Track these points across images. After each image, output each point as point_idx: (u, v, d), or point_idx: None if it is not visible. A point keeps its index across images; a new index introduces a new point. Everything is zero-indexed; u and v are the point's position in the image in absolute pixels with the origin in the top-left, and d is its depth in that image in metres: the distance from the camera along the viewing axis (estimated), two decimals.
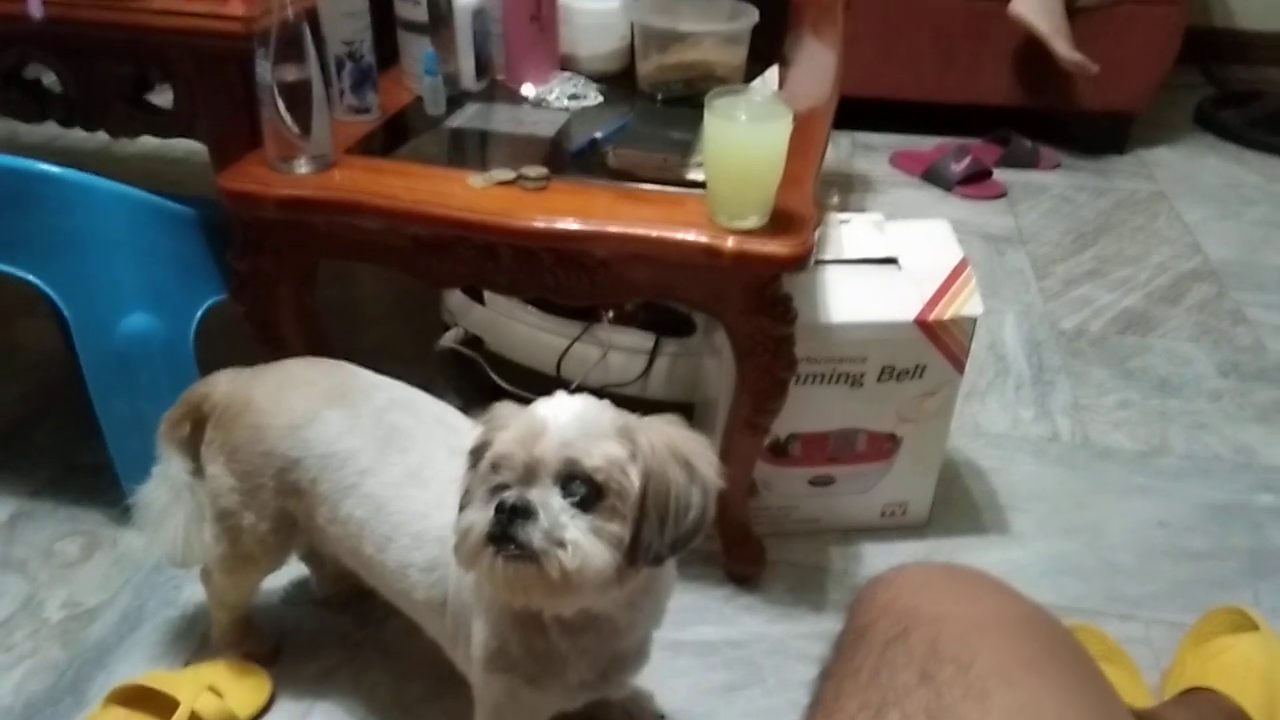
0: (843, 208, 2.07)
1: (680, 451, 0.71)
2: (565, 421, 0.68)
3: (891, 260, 1.14)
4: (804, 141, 1.10)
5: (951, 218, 2.02)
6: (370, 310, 1.71)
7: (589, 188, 1.00)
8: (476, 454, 0.71)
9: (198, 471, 0.91)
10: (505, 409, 0.72)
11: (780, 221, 0.95)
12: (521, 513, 0.65)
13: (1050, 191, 2.19)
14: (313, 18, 1.02)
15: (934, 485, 1.23)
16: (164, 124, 1.18)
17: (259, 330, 1.06)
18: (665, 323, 1.34)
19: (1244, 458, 1.38)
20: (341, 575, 1.05)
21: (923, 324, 1.09)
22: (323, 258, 1.06)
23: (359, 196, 0.97)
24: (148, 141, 1.39)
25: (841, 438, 1.16)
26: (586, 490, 0.66)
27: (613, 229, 0.93)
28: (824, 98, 1.26)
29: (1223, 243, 1.97)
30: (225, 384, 0.90)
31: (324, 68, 1.03)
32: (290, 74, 0.96)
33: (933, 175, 2.20)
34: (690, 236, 0.92)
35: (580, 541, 0.65)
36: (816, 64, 1.39)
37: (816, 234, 1.09)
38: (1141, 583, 1.17)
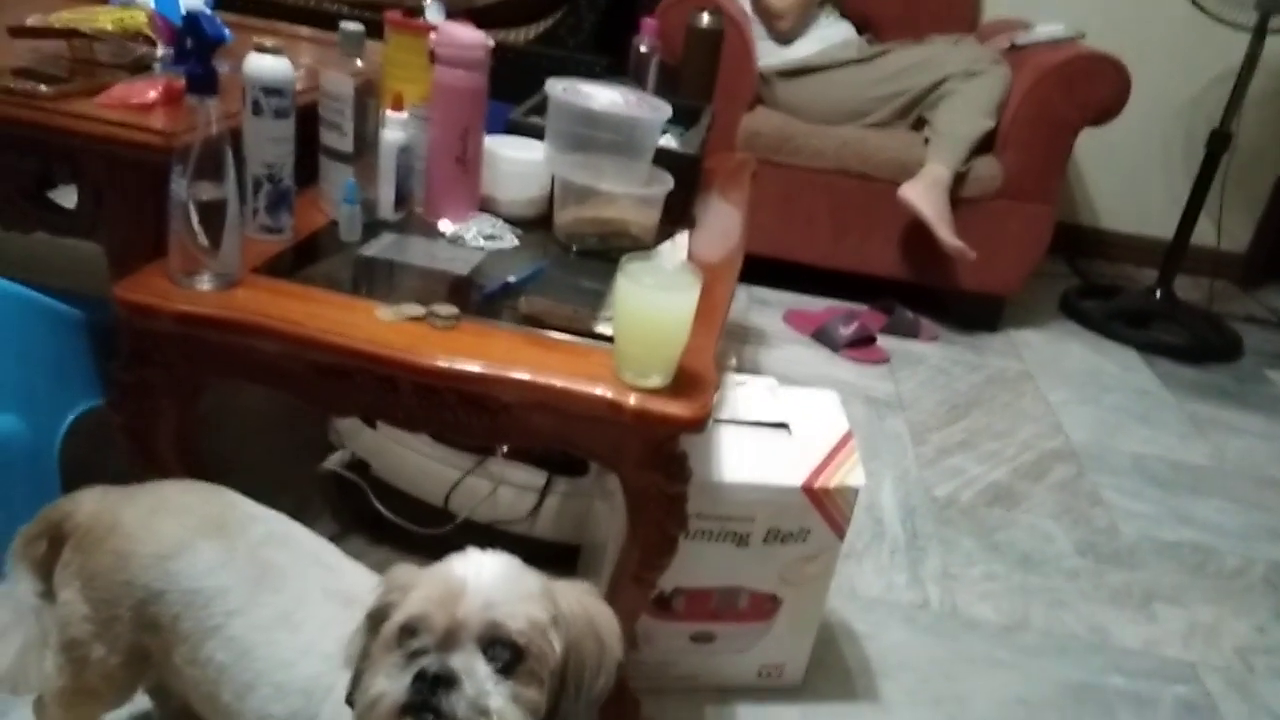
0: (739, 362, 2.14)
1: (594, 619, 0.70)
2: (487, 581, 0.66)
3: (783, 425, 1.18)
4: (709, 306, 1.15)
5: (837, 379, 2.16)
6: (251, 422, 1.65)
7: (498, 330, 1.01)
8: (376, 618, 0.68)
9: (47, 594, 0.85)
10: (404, 571, 0.70)
11: (682, 383, 0.97)
12: (445, 681, 0.62)
13: (929, 362, 2.32)
14: (235, 137, 1.03)
15: (810, 648, 1.24)
16: (64, 224, 1.14)
17: (134, 445, 1.01)
18: (558, 461, 1.34)
19: (1098, 638, 1.45)
20: (185, 713, 0.98)
21: (809, 490, 1.12)
22: (215, 378, 1.03)
23: (260, 319, 0.96)
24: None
25: (725, 595, 1.17)
26: (509, 655, 0.64)
27: (518, 375, 0.94)
28: (729, 264, 1.33)
29: (1082, 425, 2.12)
30: (91, 504, 0.85)
31: (241, 187, 1.02)
32: (206, 191, 0.95)
33: (822, 336, 2.31)
34: (594, 390, 0.94)
35: (505, 712, 0.63)
36: (723, 231, 1.47)
37: (716, 396, 1.13)
38: None
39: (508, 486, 1.33)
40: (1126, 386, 2.35)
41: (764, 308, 2.48)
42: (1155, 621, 1.50)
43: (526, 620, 0.65)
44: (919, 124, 2.41)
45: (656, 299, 0.92)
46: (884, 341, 2.36)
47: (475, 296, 1.07)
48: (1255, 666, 1.43)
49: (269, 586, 0.81)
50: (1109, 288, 2.91)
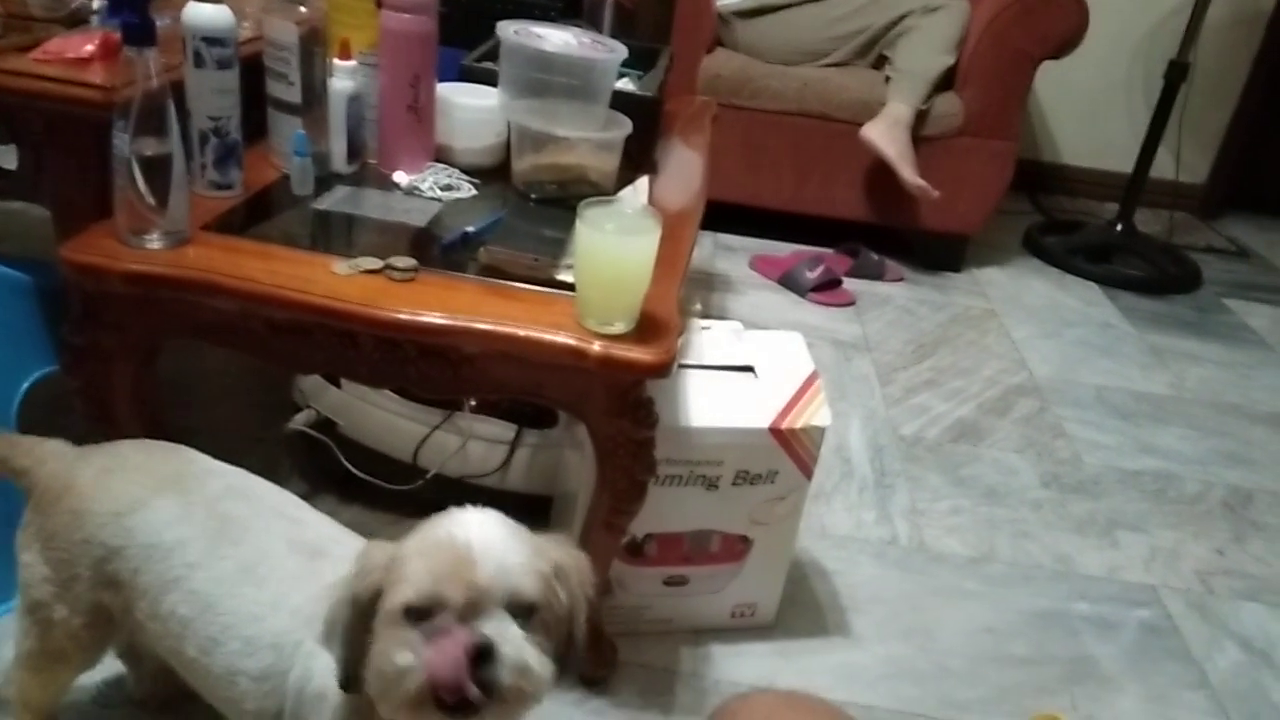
0: (705, 308, 2.14)
1: (582, 566, 0.71)
2: (495, 544, 0.64)
3: (749, 368, 1.18)
4: (671, 251, 1.14)
5: (805, 323, 2.16)
6: (215, 385, 1.63)
7: (458, 282, 1.00)
8: (361, 602, 0.65)
9: None
10: (379, 549, 0.67)
11: (646, 328, 0.97)
12: (485, 654, 0.61)
13: (894, 303, 2.34)
14: (178, 91, 1.00)
15: (782, 587, 1.26)
16: (5, 185, 1.11)
17: (91, 409, 1.00)
18: (527, 413, 1.33)
19: (1062, 566, 1.48)
20: (161, 674, 0.98)
21: (776, 432, 1.13)
22: (169, 337, 1.01)
23: (213, 276, 0.94)
24: None
25: (696, 539, 1.18)
26: (524, 613, 0.64)
27: (480, 325, 0.93)
28: (691, 207, 1.31)
29: (1045, 360, 2.15)
30: (50, 463, 0.84)
31: (186, 142, 0.99)
32: (150, 147, 0.92)
33: (788, 281, 2.31)
34: (557, 338, 0.93)
35: (542, 670, 0.63)
36: (685, 175, 1.45)
37: (680, 341, 1.13)
38: (971, 687, 1.23)
39: (477, 441, 1.32)
40: (1089, 320, 2.38)
41: (730, 254, 2.47)
42: (1118, 548, 1.54)
43: (539, 578, 0.65)
44: (880, 62, 2.39)
45: (616, 244, 0.91)
46: (850, 284, 2.37)
47: (433, 248, 1.05)
48: (1215, 588, 1.47)
49: (229, 539, 0.79)
50: (1071, 223, 2.93)
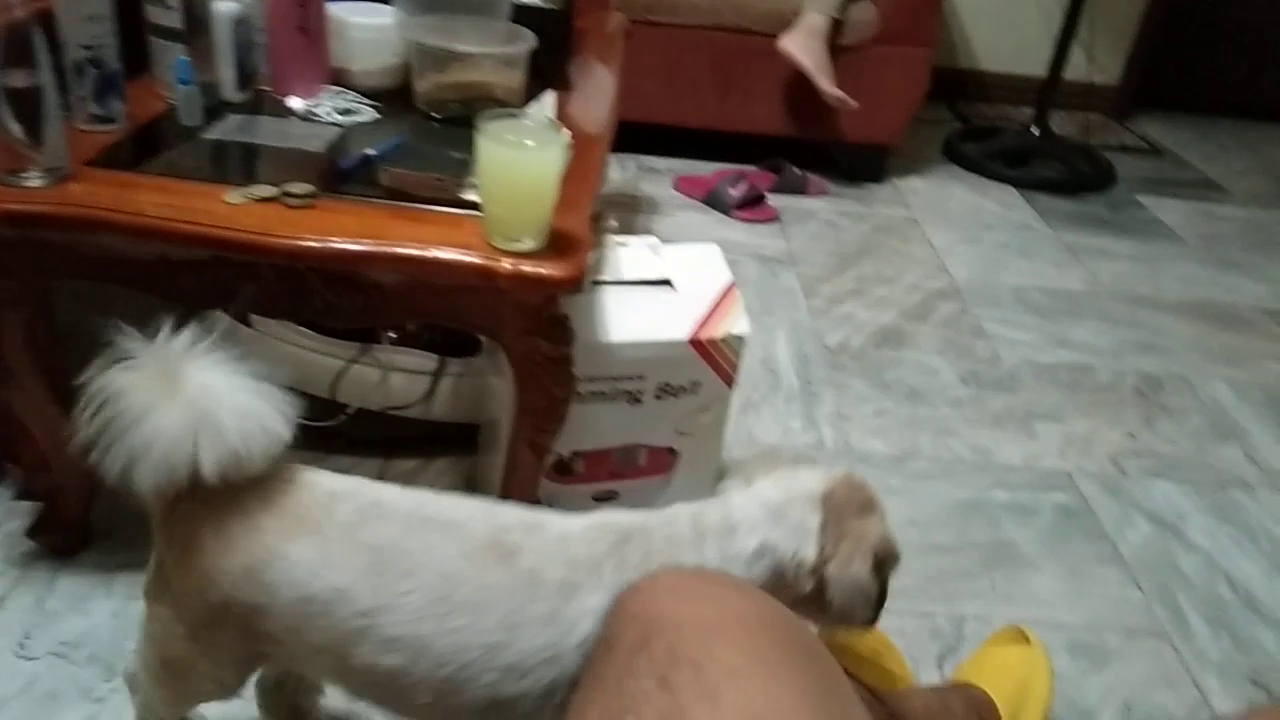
0: (629, 229, 2.13)
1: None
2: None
3: (666, 282, 1.18)
4: (581, 166, 1.13)
5: (730, 240, 2.17)
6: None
7: (360, 206, 0.97)
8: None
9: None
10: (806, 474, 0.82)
11: (556, 244, 0.96)
12: None
13: (818, 216, 2.35)
14: (47, 20, 0.94)
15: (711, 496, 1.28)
16: None
17: None
18: (449, 342, 1.32)
19: (982, 459, 1.53)
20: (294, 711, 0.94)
21: (695, 343, 1.13)
22: (59, 280, 0.97)
23: (99, 212, 0.90)
24: None
25: (623, 454, 1.19)
26: None
27: (384, 249, 0.91)
28: (602, 123, 1.30)
29: (965, 264, 2.18)
30: (179, 506, 0.71)
31: (61, 74, 0.94)
32: (19, 80, 0.88)
33: (713, 199, 2.30)
34: (465, 257, 0.92)
35: None
36: (596, 90, 1.43)
37: (593, 256, 1.12)
38: (897, 578, 1.27)
39: (399, 373, 1.31)
40: (1007, 223, 2.43)
41: (654, 176, 2.45)
42: (1035, 439, 1.59)
43: None
44: None
45: (519, 157, 0.89)
46: (774, 200, 2.37)
47: (334, 173, 1.02)
48: (1127, 469, 1.54)
49: (396, 571, 0.69)
50: (989, 129, 2.96)
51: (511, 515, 0.76)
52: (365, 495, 0.75)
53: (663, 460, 1.21)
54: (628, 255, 1.21)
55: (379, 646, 0.69)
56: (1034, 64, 3.03)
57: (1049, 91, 2.73)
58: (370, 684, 0.72)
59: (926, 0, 2.31)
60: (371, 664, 0.69)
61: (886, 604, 0.83)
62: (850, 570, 0.76)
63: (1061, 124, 3.06)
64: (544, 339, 0.97)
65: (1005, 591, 1.27)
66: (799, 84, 2.31)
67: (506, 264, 0.92)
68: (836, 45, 2.29)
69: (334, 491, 0.74)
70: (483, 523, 0.74)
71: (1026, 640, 1.07)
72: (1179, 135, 3.23)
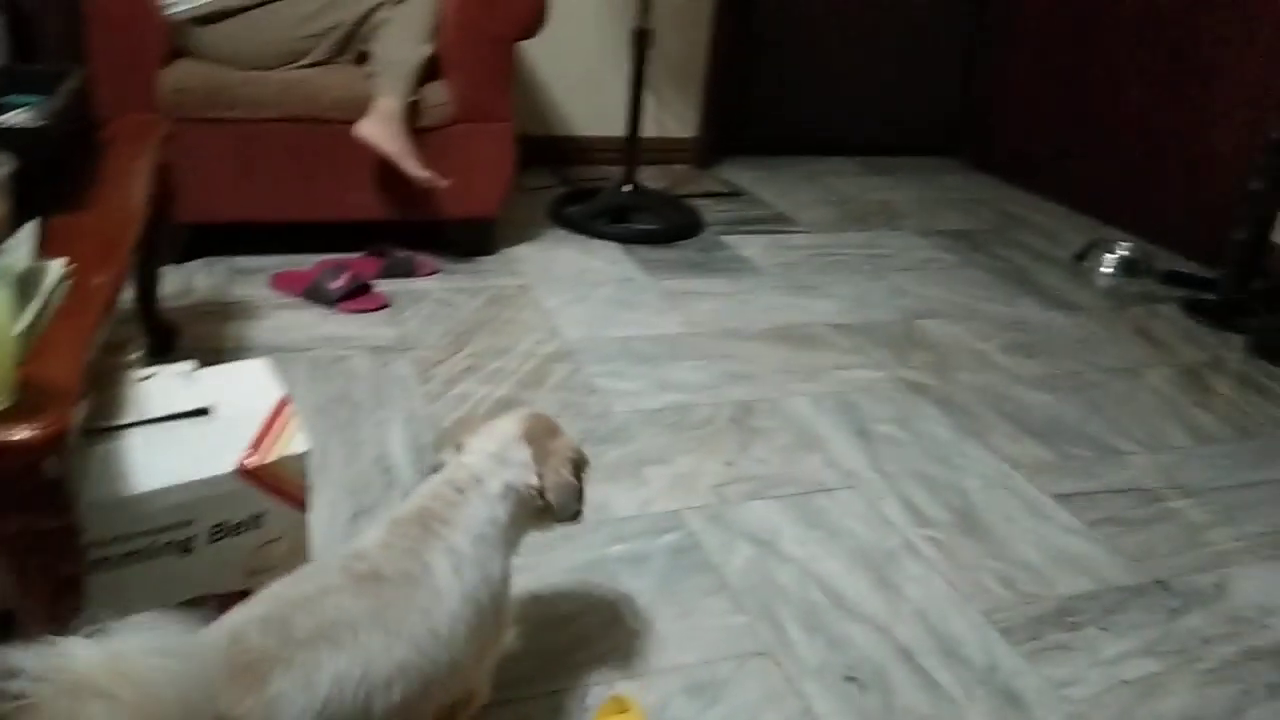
0: (219, 341, 1.97)
1: None
2: None
3: (204, 411, 1.08)
4: (80, 299, 1.01)
5: (337, 335, 2.08)
6: None
7: None
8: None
9: None
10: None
11: (32, 398, 0.84)
12: None
13: (431, 296, 2.32)
14: None
15: None
16: None
17: None
18: None
19: (600, 515, 1.56)
20: None
21: (246, 473, 1.04)
22: None
23: None
24: None
25: (188, 610, 1.06)
26: None
27: None
28: (118, 242, 1.17)
29: (576, 324, 2.26)
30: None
31: None
32: None
33: (313, 294, 2.20)
34: None
35: None
36: (115, 207, 1.29)
37: (91, 402, 0.99)
38: (524, 664, 1.25)
39: None
40: (612, 279, 2.55)
41: (247, 277, 2.30)
42: (645, 484, 1.66)
43: None
44: (361, 58, 2.34)
45: None
46: (383, 285, 2.32)
47: None
48: (727, 496, 1.65)
49: (332, 644, 0.83)
50: (589, 190, 3.11)
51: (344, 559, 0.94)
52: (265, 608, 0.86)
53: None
54: (157, 387, 1.10)
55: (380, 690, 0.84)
56: (618, 125, 3.25)
57: (632, 150, 2.93)
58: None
59: (497, 78, 2.39)
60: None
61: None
62: (559, 478, 1.04)
63: (654, 178, 3.31)
64: (31, 512, 0.84)
65: (626, 649, 1.29)
66: (388, 168, 2.28)
67: None
68: (416, 126, 2.29)
69: (233, 621, 0.84)
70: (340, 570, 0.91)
71: (625, 709, 1.09)
72: (755, 176, 3.61)
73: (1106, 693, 1.29)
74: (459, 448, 1.05)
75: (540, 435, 1.06)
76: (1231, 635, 1.43)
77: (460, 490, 0.99)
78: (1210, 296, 2.72)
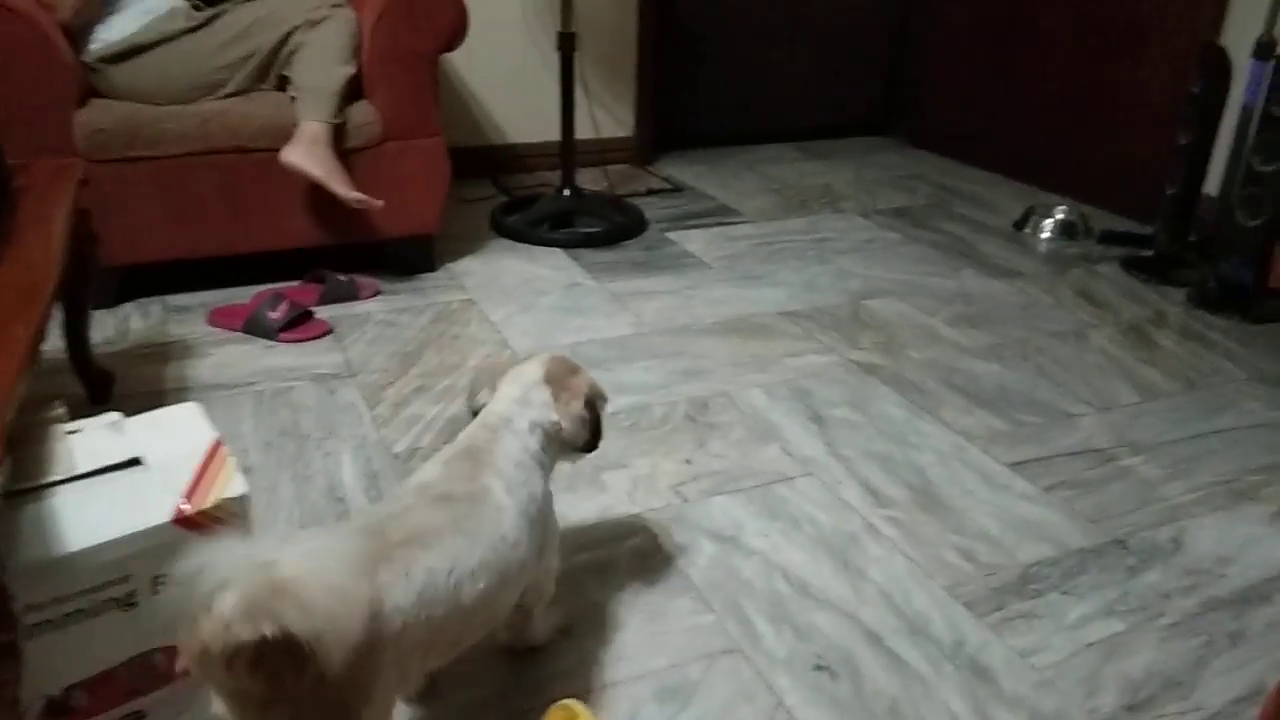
0: (158, 382, 1.92)
1: None
2: None
3: (136, 461, 1.05)
4: None
5: (279, 366, 2.04)
6: None
7: None
8: None
9: None
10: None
11: None
12: None
13: (374, 319, 2.29)
14: None
15: None
16: None
17: None
18: None
19: (562, 526, 1.54)
20: None
21: (184, 520, 1.01)
22: None
23: None
24: None
25: (136, 667, 1.03)
26: None
27: None
28: (27, 295, 1.13)
29: (525, 333, 2.24)
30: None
31: None
32: None
33: (253, 326, 2.16)
34: None
35: None
36: (19, 256, 1.25)
37: (15, 461, 0.96)
38: (476, 687, 1.24)
39: None
40: (558, 285, 2.54)
41: (184, 315, 2.25)
42: (605, 491, 1.65)
43: None
44: (282, 84, 2.30)
45: None
46: (324, 312, 2.28)
47: None
48: (687, 495, 1.64)
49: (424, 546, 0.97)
50: (530, 198, 3.09)
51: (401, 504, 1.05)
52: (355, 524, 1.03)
53: None
54: (84, 441, 1.06)
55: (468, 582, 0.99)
56: (553, 130, 3.23)
57: (567, 154, 2.92)
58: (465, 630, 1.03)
59: (422, 93, 2.36)
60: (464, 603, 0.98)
61: None
62: (571, 410, 1.19)
63: (595, 180, 3.30)
64: None
65: (595, 660, 1.28)
66: (319, 192, 2.25)
67: None
68: (345, 148, 2.26)
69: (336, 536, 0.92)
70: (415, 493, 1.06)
71: (576, 716, 1.07)
72: (695, 170, 3.61)
73: (1073, 657, 1.30)
74: (493, 390, 1.20)
75: (560, 375, 1.21)
76: (1191, 588, 1.45)
77: (494, 430, 1.14)
78: (1148, 253, 2.76)
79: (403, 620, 0.90)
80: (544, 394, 1.18)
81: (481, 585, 1.00)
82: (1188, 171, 2.62)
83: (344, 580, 0.78)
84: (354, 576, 0.81)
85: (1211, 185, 2.70)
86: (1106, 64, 3.16)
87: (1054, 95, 3.36)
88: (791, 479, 1.70)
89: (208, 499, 1.03)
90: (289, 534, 0.93)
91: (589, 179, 3.29)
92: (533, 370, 1.21)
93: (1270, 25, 2.47)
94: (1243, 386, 2.08)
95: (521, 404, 1.17)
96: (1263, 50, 2.48)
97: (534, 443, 1.15)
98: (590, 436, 1.21)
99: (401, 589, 0.91)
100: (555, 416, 1.17)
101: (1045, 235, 2.98)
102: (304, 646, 0.73)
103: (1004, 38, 3.53)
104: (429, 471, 1.09)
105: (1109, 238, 2.95)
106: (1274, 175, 2.31)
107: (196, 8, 2.26)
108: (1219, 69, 2.51)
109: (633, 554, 1.49)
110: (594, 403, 1.22)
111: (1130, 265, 2.74)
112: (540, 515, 1.13)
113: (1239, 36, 2.68)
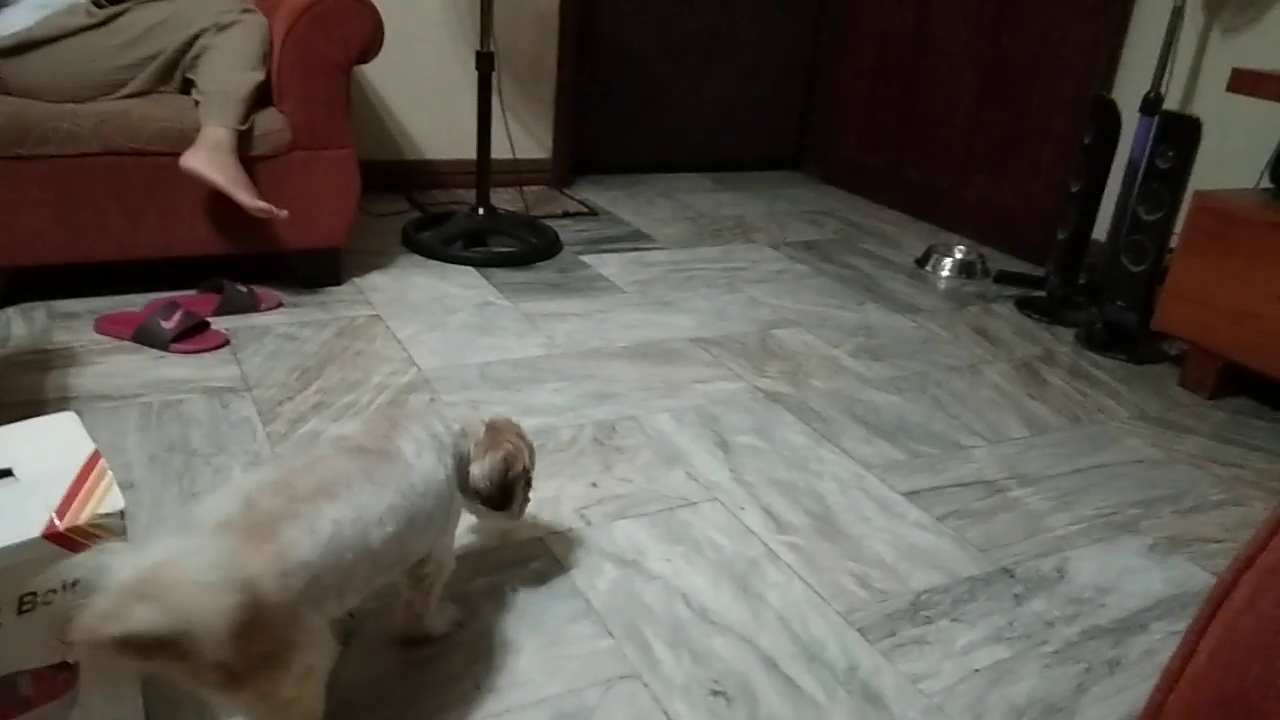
0: (40, 392, 1.82)
1: None
2: None
3: (7, 473, 0.99)
4: None
5: (171, 377, 1.96)
6: None
7: None
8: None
9: None
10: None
11: None
12: None
13: (274, 332, 2.22)
14: None
15: (140, 695, 1.10)
16: None
17: None
18: None
19: (461, 553, 1.52)
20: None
21: (55, 536, 0.96)
22: None
23: None
24: None
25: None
26: None
27: None
28: None
29: (433, 352, 2.21)
30: None
31: None
32: None
33: (144, 336, 2.07)
34: None
35: None
36: None
37: None
38: (375, 711, 1.20)
39: None
40: (469, 303, 2.51)
41: (70, 322, 2.15)
42: None
43: None
44: (186, 86, 2.22)
45: None
46: (221, 322, 2.21)
47: None
48: (591, 518, 1.63)
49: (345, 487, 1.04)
50: (443, 214, 3.06)
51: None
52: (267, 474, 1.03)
53: (57, 680, 1.01)
54: None
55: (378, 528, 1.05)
56: (470, 148, 3.21)
57: (482, 173, 2.90)
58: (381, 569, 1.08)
59: (333, 104, 2.31)
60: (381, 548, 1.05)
61: None
62: (488, 456, 1.24)
63: (512, 200, 3.28)
64: None
65: (488, 686, 1.25)
66: (220, 200, 2.18)
67: None
68: (250, 155, 2.20)
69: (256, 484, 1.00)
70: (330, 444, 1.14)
71: None
72: (611, 195, 3.63)
73: (960, 683, 1.34)
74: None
75: (502, 427, 1.28)
76: (1073, 616, 1.50)
77: (422, 414, 1.20)
78: (1040, 293, 2.89)
79: (310, 573, 0.95)
80: (479, 431, 1.25)
81: (390, 529, 1.05)
82: (1078, 218, 2.76)
83: (209, 569, 0.83)
84: (225, 560, 0.87)
85: (1100, 231, 2.85)
86: (1006, 111, 3.31)
87: (956, 139, 3.50)
88: (695, 504, 1.71)
89: (82, 514, 0.98)
90: (178, 526, 0.95)
91: (505, 199, 3.28)
92: (482, 413, 1.30)
93: (1157, 82, 2.63)
94: (1125, 424, 2.18)
95: (454, 424, 1.23)
96: (1149, 106, 2.64)
97: (449, 456, 1.19)
98: (495, 492, 1.25)
99: (308, 544, 0.96)
100: (470, 450, 1.23)
101: (945, 273, 3.09)
102: (171, 638, 0.78)
103: (911, 83, 3.67)
104: (347, 426, 1.16)
105: (1005, 278, 3.07)
106: (1157, 224, 2.45)
107: (98, 4, 2.17)
108: (1109, 121, 2.66)
109: (534, 577, 1.47)
110: (511, 464, 1.26)
111: (1024, 305, 2.86)
112: (447, 491, 1.18)
113: (1128, 91, 2.85)
